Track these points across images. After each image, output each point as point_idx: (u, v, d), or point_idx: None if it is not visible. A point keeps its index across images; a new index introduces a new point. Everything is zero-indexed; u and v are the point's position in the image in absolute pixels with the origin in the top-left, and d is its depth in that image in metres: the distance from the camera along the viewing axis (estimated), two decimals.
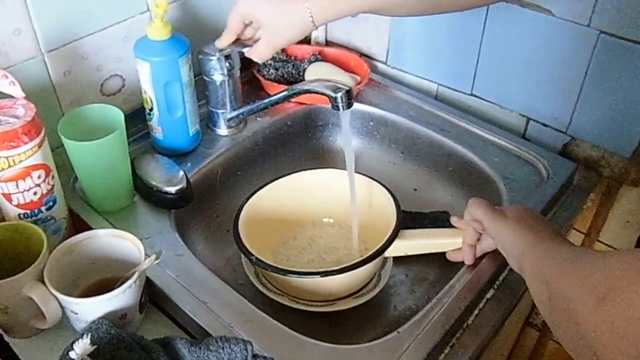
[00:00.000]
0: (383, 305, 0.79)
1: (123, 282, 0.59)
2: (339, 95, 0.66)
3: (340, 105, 0.67)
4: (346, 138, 0.69)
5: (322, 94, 0.69)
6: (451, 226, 0.87)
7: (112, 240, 0.65)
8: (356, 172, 0.76)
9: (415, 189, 0.96)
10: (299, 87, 0.76)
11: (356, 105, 0.94)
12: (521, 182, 0.85)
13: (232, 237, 0.73)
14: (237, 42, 0.78)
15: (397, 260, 0.79)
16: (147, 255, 0.61)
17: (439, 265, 0.80)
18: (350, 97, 0.67)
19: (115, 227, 0.73)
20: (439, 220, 0.89)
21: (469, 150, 0.90)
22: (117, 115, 0.72)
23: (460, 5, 0.67)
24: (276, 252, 0.81)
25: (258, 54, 0.74)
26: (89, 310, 0.59)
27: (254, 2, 0.70)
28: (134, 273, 0.59)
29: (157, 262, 0.58)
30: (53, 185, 0.67)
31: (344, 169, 0.76)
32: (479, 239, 0.70)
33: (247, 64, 0.94)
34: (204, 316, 0.63)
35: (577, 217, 0.89)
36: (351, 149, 0.69)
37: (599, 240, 0.98)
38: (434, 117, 0.96)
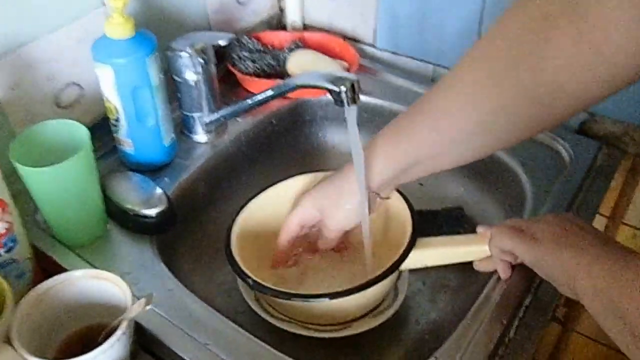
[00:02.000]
0: (403, 320, 0.74)
1: (108, 334, 0.52)
2: (342, 88, 0.59)
3: (345, 99, 0.60)
4: (353, 138, 0.62)
5: (322, 88, 0.62)
6: (468, 222, 0.83)
7: (89, 283, 0.57)
8: None
9: (421, 184, 0.91)
10: (292, 82, 0.69)
11: None
12: (542, 168, 0.80)
13: (223, 257, 0.67)
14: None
15: None
16: (134, 297, 0.54)
17: (460, 269, 0.74)
18: (355, 90, 0.60)
19: (89, 263, 0.65)
20: (454, 217, 0.85)
21: None
22: (79, 131, 0.64)
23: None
24: (277, 271, 0.74)
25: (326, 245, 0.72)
26: None
27: (312, 210, 0.68)
28: (120, 322, 0.52)
29: (148, 307, 0.51)
30: (11, 223, 0.59)
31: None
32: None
33: (220, 57, 0.88)
34: None
35: (603, 201, 0.85)
36: (360, 150, 0.62)
37: (623, 223, 0.94)
38: None
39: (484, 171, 0.86)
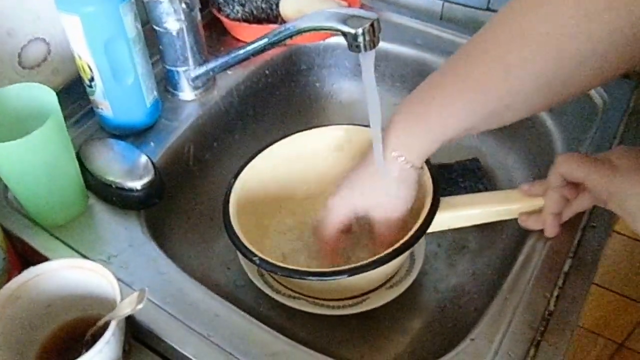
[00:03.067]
0: (420, 287, 0.69)
1: (96, 333, 0.45)
2: (359, 30, 0.50)
3: (362, 44, 0.51)
4: (369, 88, 0.53)
5: (334, 30, 0.52)
6: (486, 175, 0.77)
7: (70, 273, 0.50)
8: (363, 125, 0.65)
9: None
10: (295, 25, 0.59)
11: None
12: (572, 114, 0.73)
13: (218, 226, 0.62)
14: None
15: None
16: (120, 282, 0.47)
17: (479, 228, 0.68)
18: (375, 32, 0.51)
19: (70, 247, 0.58)
20: (469, 170, 0.79)
21: None
22: (47, 96, 0.56)
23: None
24: (281, 242, 0.69)
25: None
26: None
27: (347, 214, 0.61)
28: (109, 321, 0.45)
29: (140, 306, 0.44)
30: None
31: (348, 123, 0.67)
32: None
33: (203, 2, 0.79)
34: (211, 357, 0.50)
35: None
36: (377, 102, 0.54)
37: None
38: (444, 42, 0.85)
39: None
